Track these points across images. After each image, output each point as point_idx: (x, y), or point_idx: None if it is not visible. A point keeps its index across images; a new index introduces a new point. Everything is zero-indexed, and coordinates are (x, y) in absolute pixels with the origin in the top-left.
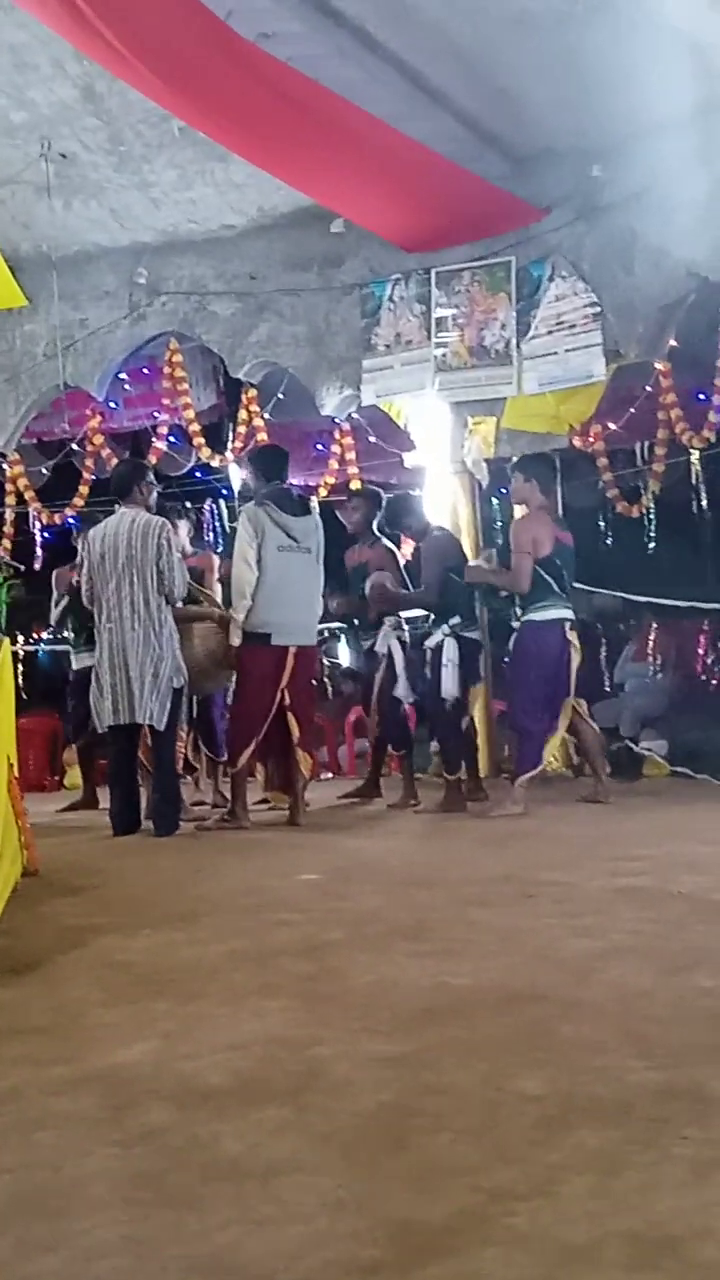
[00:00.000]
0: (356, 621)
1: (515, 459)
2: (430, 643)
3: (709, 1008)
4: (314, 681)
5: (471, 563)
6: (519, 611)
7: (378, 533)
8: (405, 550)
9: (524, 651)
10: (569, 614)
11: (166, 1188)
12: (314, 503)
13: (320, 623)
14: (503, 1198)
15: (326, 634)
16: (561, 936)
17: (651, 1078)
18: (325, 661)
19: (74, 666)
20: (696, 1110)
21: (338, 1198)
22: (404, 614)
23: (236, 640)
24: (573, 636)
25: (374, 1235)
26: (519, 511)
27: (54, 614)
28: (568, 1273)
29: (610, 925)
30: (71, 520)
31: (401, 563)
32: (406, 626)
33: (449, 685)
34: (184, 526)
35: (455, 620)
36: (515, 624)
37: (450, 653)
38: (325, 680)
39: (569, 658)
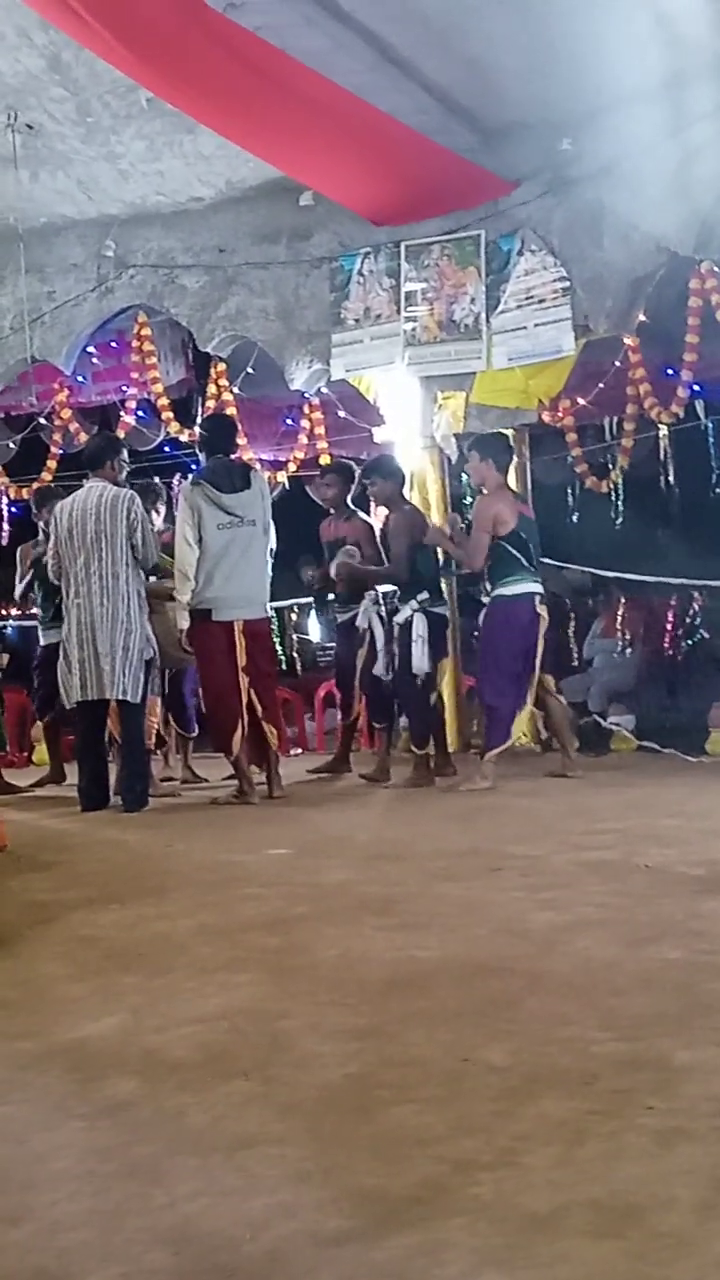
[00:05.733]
0: (332, 595)
1: (471, 439)
2: (399, 618)
3: (673, 979)
4: (270, 653)
5: (435, 524)
6: (488, 586)
7: (352, 506)
8: (376, 520)
9: (494, 626)
10: (538, 587)
11: (132, 1160)
12: (258, 472)
13: (292, 597)
14: (467, 1167)
15: (296, 609)
16: (527, 909)
17: (615, 1048)
18: (295, 637)
19: (42, 642)
20: (660, 1080)
21: (303, 1169)
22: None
23: (184, 623)
24: (542, 610)
25: (339, 1205)
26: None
27: (19, 589)
28: (531, 1241)
29: (576, 898)
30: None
31: (378, 536)
32: (383, 601)
33: (419, 661)
34: (160, 506)
35: (423, 595)
36: (484, 599)
37: (420, 628)
38: (295, 655)
39: (538, 632)
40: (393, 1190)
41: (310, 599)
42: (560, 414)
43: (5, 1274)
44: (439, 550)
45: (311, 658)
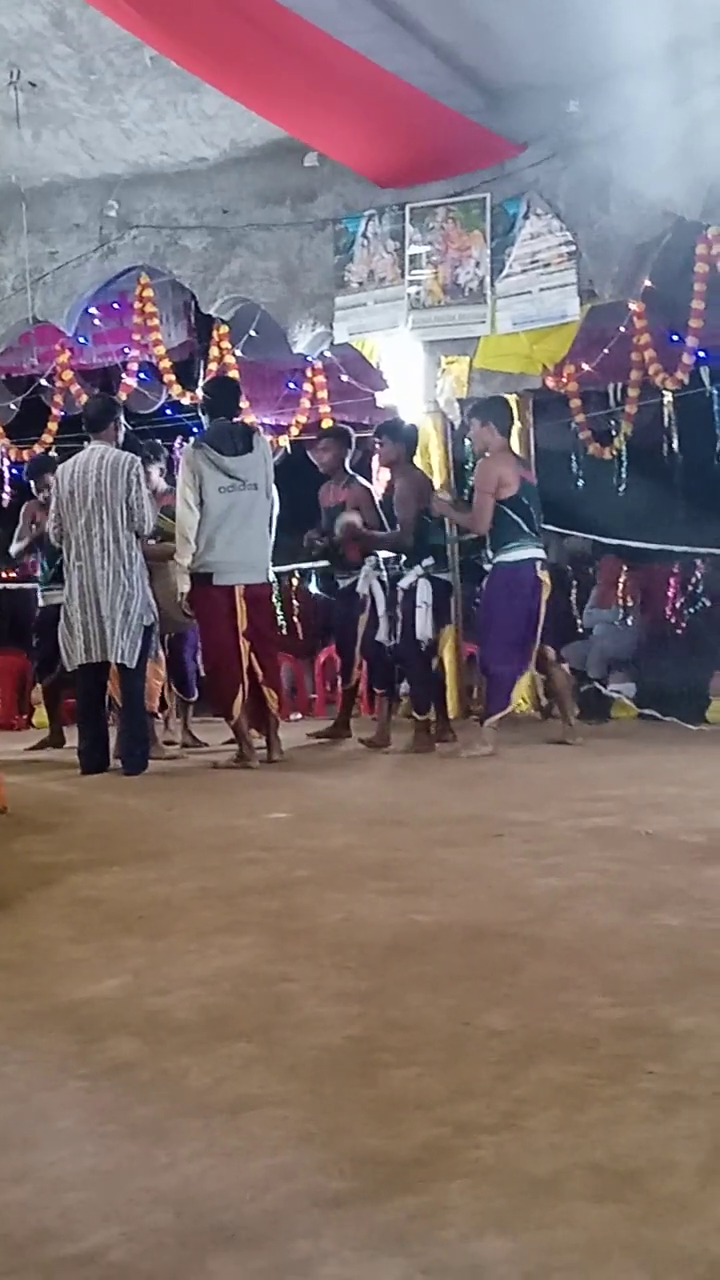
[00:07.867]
0: (327, 561)
1: (470, 406)
2: (403, 584)
3: (674, 945)
4: (271, 618)
5: (438, 494)
6: (490, 554)
7: (351, 471)
8: (378, 487)
9: (497, 593)
10: (540, 553)
11: (134, 1121)
12: (260, 435)
13: (293, 561)
14: (468, 1130)
15: (296, 574)
16: (529, 875)
17: (616, 1014)
18: (295, 603)
19: (40, 604)
20: (660, 1045)
21: (304, 1131)
22: (381, 554)
23: (185, 586)
24: (544, 576)
25: (340, 1167)
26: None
27: (15, 547)
28: (532, 1204)
29: (577, 864)
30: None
31: (377, 501)
32: (384, 567)
33: (423, 627)
34: (155, 468)
35: (428, 562)
36: (487, 566)
37: (424, 594)
38: (295, 620)
39: (540, 598)
40: (394, 1153)
41: (319, 561)
42: (564, 380)
43: (7, 1232)
44: (445, 519)
45: (313, 622)
